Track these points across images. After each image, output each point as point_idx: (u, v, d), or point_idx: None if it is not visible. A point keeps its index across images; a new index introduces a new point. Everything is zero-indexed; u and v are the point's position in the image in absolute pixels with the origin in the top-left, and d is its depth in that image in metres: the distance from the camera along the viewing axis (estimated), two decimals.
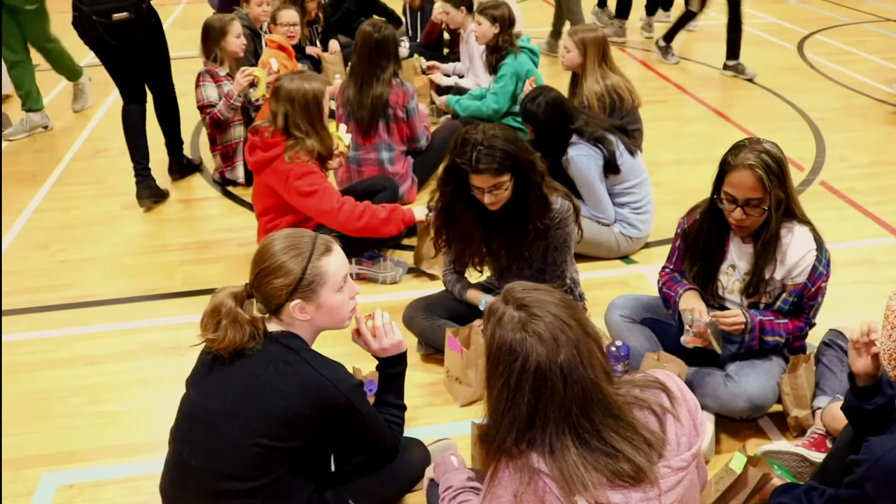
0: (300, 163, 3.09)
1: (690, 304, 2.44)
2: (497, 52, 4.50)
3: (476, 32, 4.58)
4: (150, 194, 4.17)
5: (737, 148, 2.27)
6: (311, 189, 3.10)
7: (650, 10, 7.44)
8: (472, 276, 2.99)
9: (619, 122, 3.50)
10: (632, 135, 3.57)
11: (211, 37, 4.28)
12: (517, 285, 1.52)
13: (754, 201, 2.24)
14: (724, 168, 2.26)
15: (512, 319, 1.44)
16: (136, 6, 3.90)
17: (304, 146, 3.10)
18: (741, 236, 2.38)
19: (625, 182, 3.41)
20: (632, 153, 3.41)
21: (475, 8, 4.59)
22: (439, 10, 5.59)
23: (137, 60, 4.08)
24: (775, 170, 2.22)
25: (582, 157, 3.30)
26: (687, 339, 2.42)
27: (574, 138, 3.32)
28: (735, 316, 2.38)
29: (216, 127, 4.27)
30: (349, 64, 4.09)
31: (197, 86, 4.27)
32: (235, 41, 4.30)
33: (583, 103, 3.76)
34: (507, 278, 2.82)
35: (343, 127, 3.49)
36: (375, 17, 4.21)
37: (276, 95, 3.13)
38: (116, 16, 3.85)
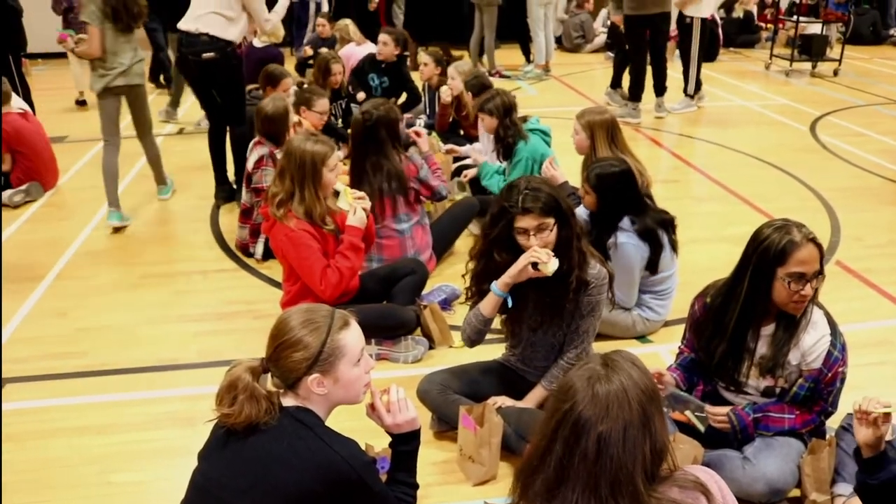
0: (293, 229, 3.18)
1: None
2: (501, 141, 4.55)
3: (483, 127, 4.65)
4: (223, 196, 5.26)
5: (782, 229, 2.26)
6: (301, 258, 3.22)
7: (659, 92, 7.59)
8: (491, 352, 2.99)
9: (671, 217, 3.44)
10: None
11: (281, 124, 4.37)
12: (624, 352, 1.55)
13: (818, 272, 2.25)
14: (786, 249, 2.22)
15: (590, 370, 1.48)
16: (222, 50, 4.81)
17: (291, 204, 3.21)
18: (795, 314, 2.34)
19: (658, 274, 3.41)
20: (674, 249, 3.41)
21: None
22: (445, 92, 5.78)
23: (214, 93, 5.00)
24: None
25: (631, 247, 3.28)
26: (670, 413, 2.49)
27: (625, 223, 3.30)
28: (722, 419, 2.44)
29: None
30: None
31: (257, 167, 4.31)
32: (292, 121, 4.52)
33: None
34: (528, 349, 2.84)
35: (342, 192, 3.37)
36: (378, 99, 4.24)
37: (284, 151, 3.32)
38: (205, 55, 4.79)
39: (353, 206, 3.31)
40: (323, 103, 5.03)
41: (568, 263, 2.58)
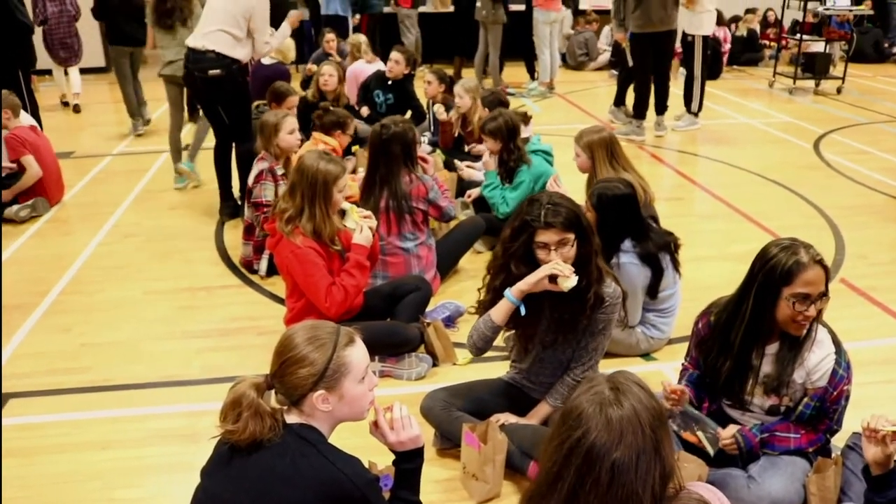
0: (299, 246, 3.19)
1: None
2: (504, 164, 4.54)
3: (489, 148, 4.63)
4: (227, 212, 5.33)
5: (789, 248, 2.25)
6: (307, 275, 3.22)
7: (660, 110, 7.61)
8: (495, 369, 2.98)
9: (674, 238, 3.43)
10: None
11: (265, 133, 4.39)
12: (628, 373, 1.54)
13: (822, 293, 2.24)
14: (793, 270, 2.21)
15: (599, 394, 1.46)
16: (227, 67, 4.89)
17: (299, 220, 3.22)
18: (798, 334, 2.34)
19: (660, 292, 3.39)
20: (676, 269, 3.41)
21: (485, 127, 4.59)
22: (440, 111, 5.81)
23: (219, 109, 5.07)
24: None
25: (633, 267, 3.27)
26: (681, 432, 2.47)
27: (626, 245, 3.29)
28: (729, 441, 2.42)
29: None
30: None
31: (257, 181, 4.33)
32: (289, 137, 4.41)
33: None
34: (536, 365, 2.83)
35: (349, 211, 3.38)
36: (397, 116, 4.26)
37: (296, 168, 3.32)
38: (211, 72, 4.89)
39: (360, 224, 3.32)
40: (353, 125, 5.23)
41: (587, 279, 2.57)
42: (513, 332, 2.78)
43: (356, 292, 3.29)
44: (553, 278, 2.51)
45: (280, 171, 4.37)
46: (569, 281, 2.49)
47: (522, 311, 2.63)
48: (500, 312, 2.65)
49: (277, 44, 5.29)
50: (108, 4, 7.48)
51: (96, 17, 7.89)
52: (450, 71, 7.67)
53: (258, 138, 4.47)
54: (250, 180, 4.39)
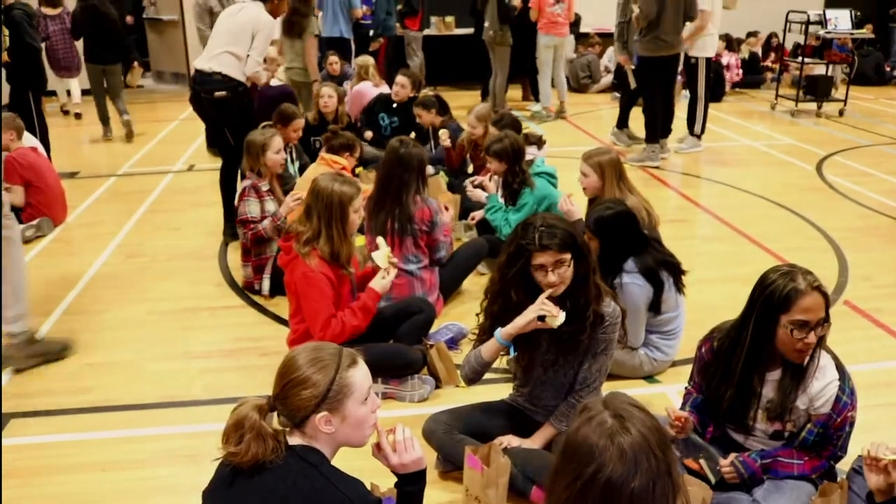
0: (312, 269, 3.19)
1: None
2: (507, 187, 4.56)
3: (492, 170, 4.64)
4: (231, 232, 5.14)
5: (787, 275, 2.24)
6: (311, 299, 3.22)
7: (664, 133, 7.61)
8: (497, 392, 2.97)
9: (676, 261, 3.43)
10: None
11: (252, 152, 4.40)
12: (621, 395, 1.50)
13: (823, 320, 2.23)
14: (790, 296, 2.20)
15: (603, 424, 1.40)
16: (233, 89, 4.95)
17: (317, 243, 3.23)
18: (799, 361, 2.32)
19: (663, 314, 3.39)
20: (679, 291, 3.41)
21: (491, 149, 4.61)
22: (444, 137, 5.83)
23: (225, 129, 5.11)
24: None
25: (636, 287, 3.27)
26: (682, 459, 2.46)
27: (629, 265, 3.30)
28: (729, 470, 2.42)
29: (257, 242, 4.33)
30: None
31: (241, 199, 4.35)
32: (275, 157, 4.42)
33: None
34: (538, 388, 2.82)
35: (384, 249, 3.40)
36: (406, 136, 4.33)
37: (311, 190, 3.32)
38: (217, 94, 4.94)
39: (387, 268, 3.33)
40: (360, 148, 5.26)
41: (584, 298, 2.58)
42: (514, 355, 2.78)
43: (353, 332, 3.25)
44: (541, 317, 2.52)
45: (265, 188, 4.39)
46: (557, 319, 2.50)
47: (512, 351, 2.64)
48: (489, 351, 2.67)
49: (258, 68, 5.19)
50: (83, 27, 8.20)
51: (73, 36, 8.58)
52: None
53: (245, 157, 4.48)
54: (236, 199, 4.39)
